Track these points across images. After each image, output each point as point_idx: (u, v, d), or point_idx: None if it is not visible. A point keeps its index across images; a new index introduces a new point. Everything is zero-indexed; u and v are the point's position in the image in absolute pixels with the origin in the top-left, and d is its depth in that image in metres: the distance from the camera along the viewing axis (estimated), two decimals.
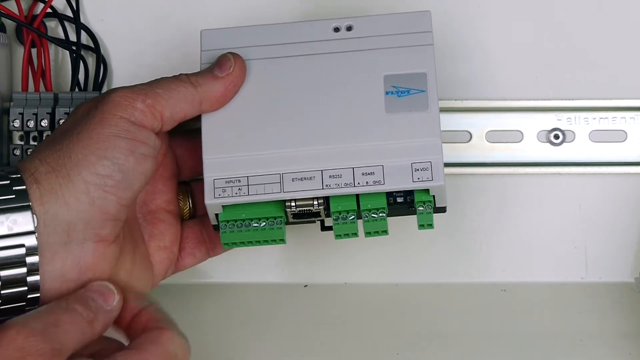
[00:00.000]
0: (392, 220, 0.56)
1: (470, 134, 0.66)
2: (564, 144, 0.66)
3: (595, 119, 0.66)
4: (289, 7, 0.66)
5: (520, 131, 0.66)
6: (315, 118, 0.55)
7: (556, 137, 0.66)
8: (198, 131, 0.56)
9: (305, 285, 0.66)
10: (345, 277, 0.67)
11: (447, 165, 0.65)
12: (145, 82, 0.54)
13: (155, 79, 0.54)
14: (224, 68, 0.55)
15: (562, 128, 0.66)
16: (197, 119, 0.56)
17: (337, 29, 0.57)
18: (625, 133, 0.66)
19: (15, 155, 0.64)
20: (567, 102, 0.66)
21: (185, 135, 0.59)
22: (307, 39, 0.57)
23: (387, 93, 0.55)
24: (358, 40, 0.56)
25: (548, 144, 0.66)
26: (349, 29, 0.57)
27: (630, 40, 0.66)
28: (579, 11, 0.66)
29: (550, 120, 0.66)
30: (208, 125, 0.55)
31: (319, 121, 0.55)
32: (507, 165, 0.66)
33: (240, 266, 0.66)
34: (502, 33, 0.66)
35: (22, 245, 0.49)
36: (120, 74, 0.67)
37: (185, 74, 0.55)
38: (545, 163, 0.66)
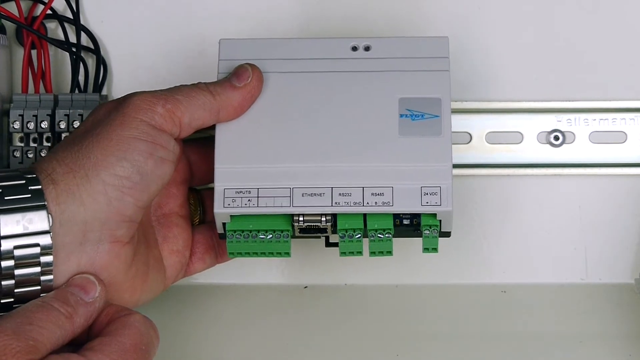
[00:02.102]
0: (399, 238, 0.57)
1: (470, 135, 0.66)
2: (564, 145, 0.66)
3: (595, 120, 0.66)
4: (288, 11, 0.66)
5: (520, 132, 0.66)
6: (328, 135, 0.55)
7: (556, 138, 0.66)
8: (212, 139, 0.56)
9: (306, 287, 0.66)
10: (345, 278, 0.67)
11: None
12: (165, 88, 0.54)
13: (175, 86, 0.55)
14: (241, 78, 0.55)
15: (562, 129, 0.66)
16: (213, 126, 0.56)
17: (355, 48, 0.57)
18: (625, 134, 0.66)
19: (15, 156, 0.64)
20: (567, 103, 0.66)
21: (200, 142, 0.59)
22: (324, 55, 0.57)
23: (401, 116, 0.56)
24: (375, 61, 0.57)
25: (548, 145, 0.66)
26: (367, 49, 0.57)
27: (629, 42, 0.66)
28: (579, 13, 0.66)
29: (550, 122, 0.66)
30: (222, 135, 0.56)
31: (332, 138, 0.55)
32: (507, 166, 0.66)
33: (241, 267, 0.66)
34: (502, 34, 0.66)
35: (37, 245, 0.49)
36: (120, 76, 0.67)
37: (204, 83, 0.55)
38: (545, 164, 0.66)
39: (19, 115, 0.64)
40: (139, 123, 0.52)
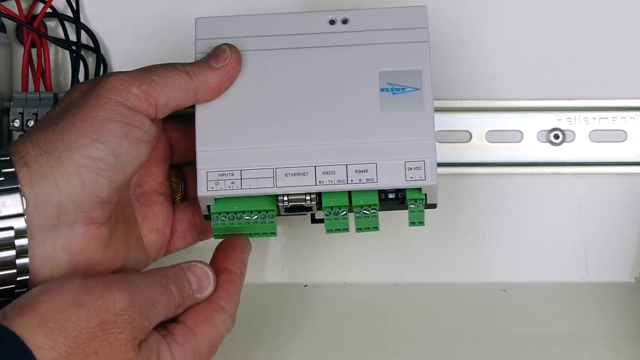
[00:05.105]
0: (391, 221, 0.56)
1: (470, 134, 0.66)
2: (564, 143, 0.66)
3: (595, 118, 0.66)
4: (287, 7, 0.66)
5: (520, 131, 0.66)
6: (310, 113, 0.55)
7: (556, 137, 0.66)
8: (192, 116, 0.56)
9: (305, 285, 0.66)
10: (345, 277, 0.67)
11: (447, 165, 0.65)
12: (141, 67, 0.54)
13: (152, 65, 0.54)
14: (219, 59, 0.55)
15: (562, 128, 0.66)
16: (193, 104, 0.55)
17: (332, 22, 0.57)
18: (625, 133, 0.66)
19: None
20: (567, 102, 0.66)
21: (180, 119, 0.58)
22: (302, 31, 0.56)
23: (382, 90, 0.55)
24: (353, 34, 0.56)
25: (548, 144, 0.66)
26: (345, 22, 0.57)
27: (629, 40, 0.66)
28: (579, 11, 0.66)
29: (550, 120, 0.66)
30: (202, 117, 0.55)
31: (313, 116, 0.55)
32: (507, 165, 0.66)
33: None
34: (501, 33, 0.66)
35: (10, 228, 0.49)
36: None
37: (181, 63, 0.55)
38: (545, 163, 0.66)
39: (19, 113, 0.64)
40: (113, 104, 0.52)
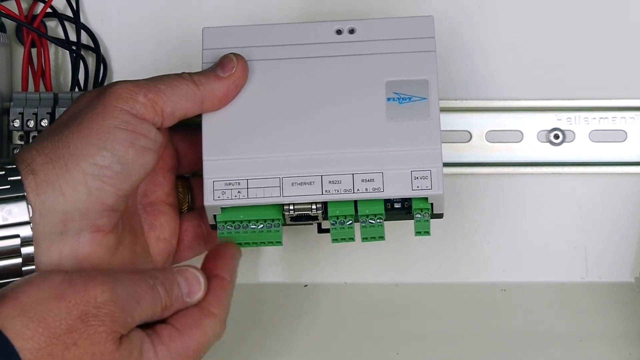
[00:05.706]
0: (391, 222, 0.56)
1: (470, 134, 0.66)
2: (564, 143, 0.66)
3: (595, 118, 0.66)
4: (289, 9, 0.66)
5: (520, 131, 0.66)
6: (316, 122, 0.55)
7: (556, 137, 0.66)
8: (200, 126, 0.56)
9: (306, 285, 0.66)
10: (345, 277, 0.67)
11: (446, 165, 0.65)
12: (149, 77, 0.54)
13: (158, 75, 0.54)
14: (226, 68, 0.55)
15: (562, 128, 0.66)
16: (201, 114, 0.56)
17: (339, 32, 0.57)
18: (625, 133, 0.66)
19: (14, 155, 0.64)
20: (567, 102, 0.66)
21: (187, 130, 0.59)
22: (309, 40, 0.56)
23: (388, 99, 0.55)
24: (360, 44, 0.56)
25: (548, 144, 0.66)
26: (352, 31, 0.57)
27: (630, 40, 0.66)
28: (579, 11, 0.66)
29: (550, 120, 0.66)
30: (209, 127, 0.55)
31: (320, 126, 0.55)
32: (507, 165, 0.66)
33: (241, 266, 0.66)
34: (502, 33, 0.66)
35: (17, 236, 0.49)
36: (120, 74, 0.67)
37: (188, 73, 0.55)
38: (545, 163, 0.66)
39: (19, 113, 0.64)
40: (120, 112, 0.52)
